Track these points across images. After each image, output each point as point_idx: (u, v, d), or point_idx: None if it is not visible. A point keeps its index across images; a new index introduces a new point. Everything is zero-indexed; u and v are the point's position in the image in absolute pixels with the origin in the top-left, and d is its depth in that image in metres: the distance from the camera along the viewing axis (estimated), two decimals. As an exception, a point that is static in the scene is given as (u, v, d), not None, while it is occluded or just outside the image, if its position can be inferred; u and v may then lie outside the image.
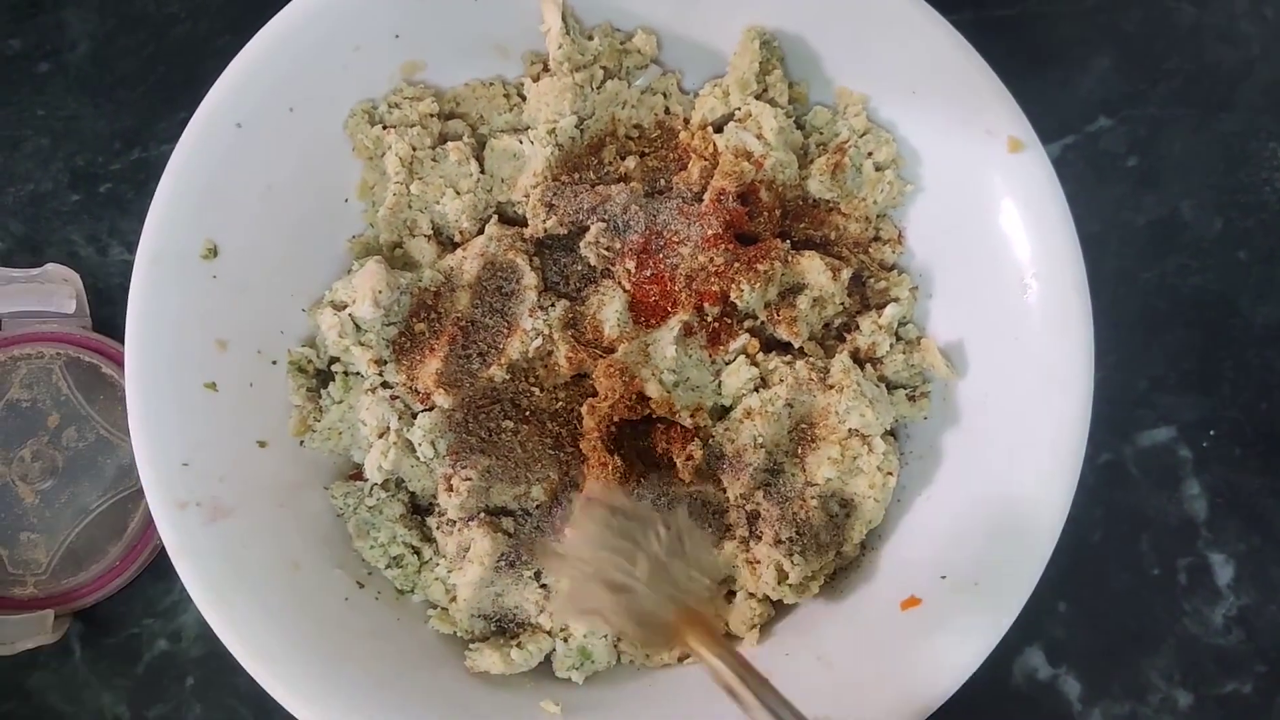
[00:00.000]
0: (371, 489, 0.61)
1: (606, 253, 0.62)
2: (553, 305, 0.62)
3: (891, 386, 0.62)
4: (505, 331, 0.61)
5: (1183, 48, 0.75)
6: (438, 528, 0.61)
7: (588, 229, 0.62)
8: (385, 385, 0.61)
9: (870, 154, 0.63)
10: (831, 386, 0.60)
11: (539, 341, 0.61)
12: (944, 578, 0.57)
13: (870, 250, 0.64)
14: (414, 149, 0.62)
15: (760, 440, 0.59)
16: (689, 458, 0.60)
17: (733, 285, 0.60)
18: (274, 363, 0.61)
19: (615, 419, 0.59)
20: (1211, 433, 0.72)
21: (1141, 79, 0.75)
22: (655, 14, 0.63)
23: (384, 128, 0.62)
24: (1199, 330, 0.73)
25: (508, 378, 0.61)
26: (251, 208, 0.60)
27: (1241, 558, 0.70)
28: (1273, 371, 0.72)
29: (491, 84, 0.65)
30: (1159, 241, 0.73)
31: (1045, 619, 0.70)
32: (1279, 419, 0.71)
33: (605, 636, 0.60)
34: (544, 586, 0.59)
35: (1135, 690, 0.69)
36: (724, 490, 0.61)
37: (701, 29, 0.64)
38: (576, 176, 0.63)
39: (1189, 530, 0.71)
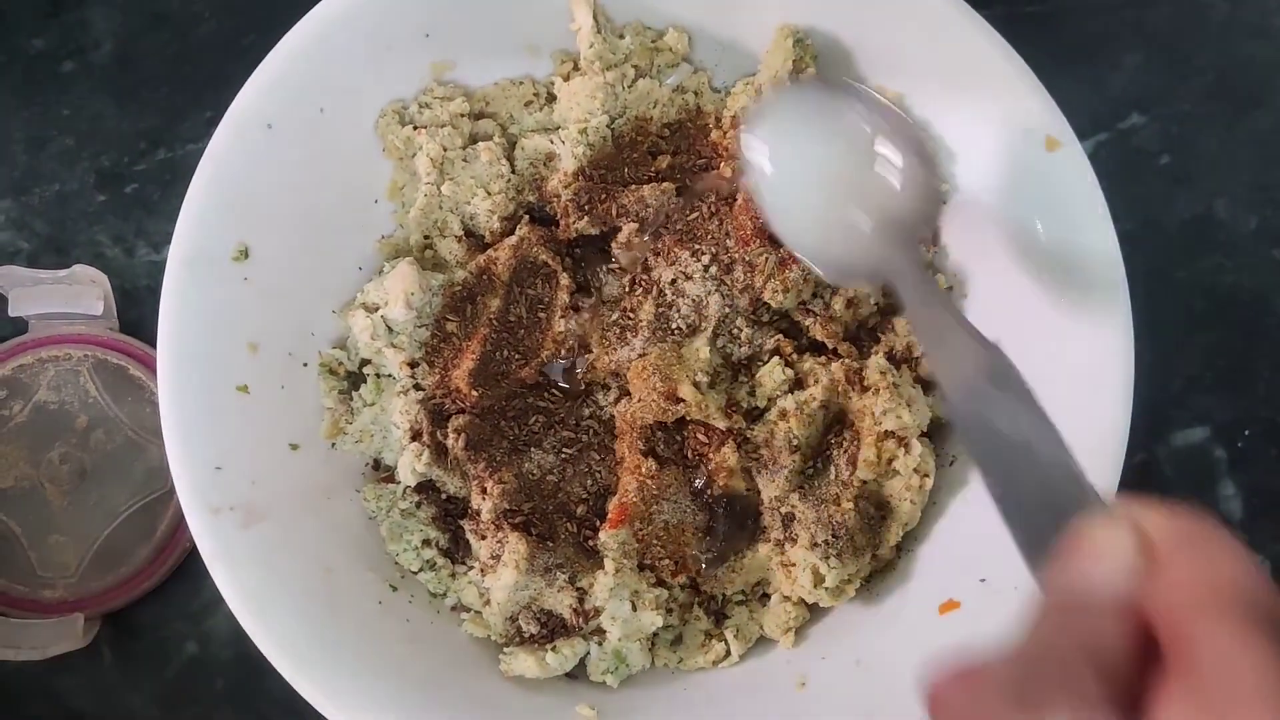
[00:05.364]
0: (404, 492, 0.61)
1: (638, 253, 0.61)
2: (585, 306, 0.61)
3: (928, 387, 0.62)
4: (538, 333, 0.61)
5: (1214, 44, 0.74)
6: (471, 531, 0.60)
7: (619, 229, 0.61)
8: (417, 387, 0.61)
9: (905, 153, 0.62)
10: (868, 388, 0.59)
11: (572, 343, 0.60)
12: (983, 580, 0.56)
13: (904, 250, 0.64)
14: (445, 149, 0.62)
15: (795, 442, 0.59)
16: (723, 460, 0.59)
17: (766, 285, 0.59)
18: (305, 365, 0.61)
19: (649, 421, 0.59)
20: (1246, 433, 0.71)
21: (1173, 75, 0.74)
22: (687, 12, 0.63)
23: (414, 128, 0.62)
24: (1234, 329, 0.72)
25: (540, 379, 0.61)
26: (282, 209, 0.59)
27: (1277, 559, 0.70)
28: (1308, 371, 0.71)
29: (521, 83, 0.64)
30: (1193, 240, 0.73)
31: (1079, 620, 0.69)
32: (1314, 419, 0.71)
33: (639, 641, 0.59)
34: (579, 590, 0.59)
35: (1170, 692, 0.69)
36: (758, 492, 0.60)
37: (733, 27, 0.63)
38: (608, 176, 0.62)
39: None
